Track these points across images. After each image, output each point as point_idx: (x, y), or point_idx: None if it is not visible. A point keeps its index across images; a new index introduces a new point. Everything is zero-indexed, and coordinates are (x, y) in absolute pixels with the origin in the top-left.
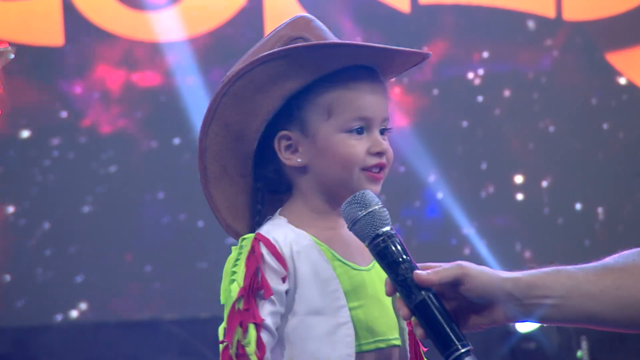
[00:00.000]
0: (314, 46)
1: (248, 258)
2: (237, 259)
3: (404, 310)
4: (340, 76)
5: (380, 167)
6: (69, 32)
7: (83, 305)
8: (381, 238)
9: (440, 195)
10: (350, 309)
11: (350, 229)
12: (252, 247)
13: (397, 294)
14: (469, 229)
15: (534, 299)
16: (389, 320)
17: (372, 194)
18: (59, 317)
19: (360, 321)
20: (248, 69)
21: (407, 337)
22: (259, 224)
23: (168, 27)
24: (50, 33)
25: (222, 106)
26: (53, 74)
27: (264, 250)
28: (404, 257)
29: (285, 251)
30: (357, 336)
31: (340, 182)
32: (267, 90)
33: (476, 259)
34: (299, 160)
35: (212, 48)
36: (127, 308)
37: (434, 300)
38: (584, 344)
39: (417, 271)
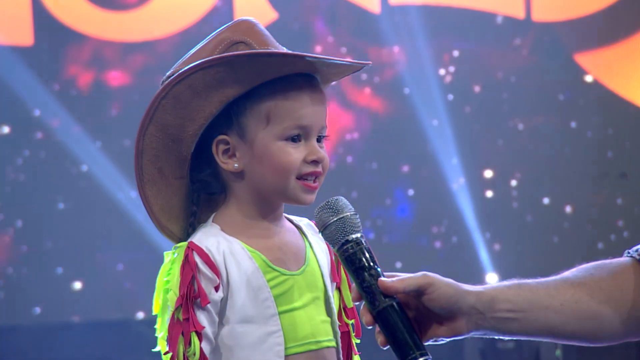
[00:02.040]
0: (254, 55)
1: (183, 267)
2: (171, 268)
3: (367, 317)
4: (280, 84)
5: (316, 175)
6: (39, 32)
7: (52, 305)
8: (350, 244)
9: (410, 193)
10: (280, 314)
11: (321, 233)
12: (186, 256)
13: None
14: (439, 228)
15: (496, 312)
16: (320, 323)
17: (346, 201)
18: (27, 317)
19: (291, 325)
20: (187, 74)
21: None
22: (193, 225)
23: (138, 27)
24: (19, 33)
25: (161, 109)
26: (22, 74)
27: (197, 259)
28: (371, 264)
29: (218, 260)
30: (287, 339)
31: (275, 189)
32: (206, 95)
33: (446, 259)
34: (235, 165)
35: (182, 48)
36: (97, 308)
37: (397, 308)
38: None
39: (382, 278)
